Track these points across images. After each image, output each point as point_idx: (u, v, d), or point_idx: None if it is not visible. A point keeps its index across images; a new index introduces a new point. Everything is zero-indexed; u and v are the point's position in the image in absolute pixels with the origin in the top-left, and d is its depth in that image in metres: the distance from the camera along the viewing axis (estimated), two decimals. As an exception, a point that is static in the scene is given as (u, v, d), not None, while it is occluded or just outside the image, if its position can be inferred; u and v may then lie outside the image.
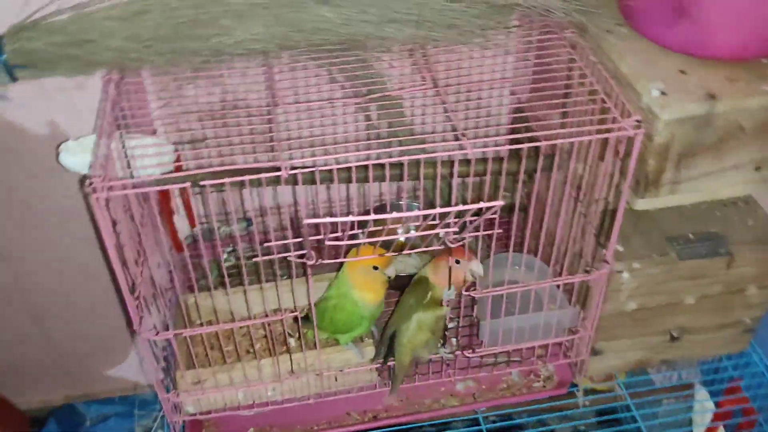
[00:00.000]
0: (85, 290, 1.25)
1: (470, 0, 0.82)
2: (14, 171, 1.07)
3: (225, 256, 1.13)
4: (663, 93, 0.78)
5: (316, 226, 0.69)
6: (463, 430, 1.06)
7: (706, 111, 0.78)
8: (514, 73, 1.06)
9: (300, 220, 0.86)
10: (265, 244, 0.77)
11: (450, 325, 1.01)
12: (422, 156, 0.78)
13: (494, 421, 1.16)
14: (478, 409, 1.04)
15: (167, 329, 0.85)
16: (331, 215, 0.74)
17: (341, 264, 0.88)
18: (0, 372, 1.37)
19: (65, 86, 0.95)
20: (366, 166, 0.71)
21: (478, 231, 0.76)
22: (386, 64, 0.91)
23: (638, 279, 0.89)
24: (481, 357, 0.95)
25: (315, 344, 0.89)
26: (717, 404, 1.14)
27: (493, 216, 0.71)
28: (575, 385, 1.06)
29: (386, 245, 0.81)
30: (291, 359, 0.90)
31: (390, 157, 0.73)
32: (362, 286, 0.86)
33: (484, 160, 0.90)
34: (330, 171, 0.74)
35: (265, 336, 1.00)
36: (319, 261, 0.75)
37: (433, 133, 1.06)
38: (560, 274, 0.89)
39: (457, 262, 0.83)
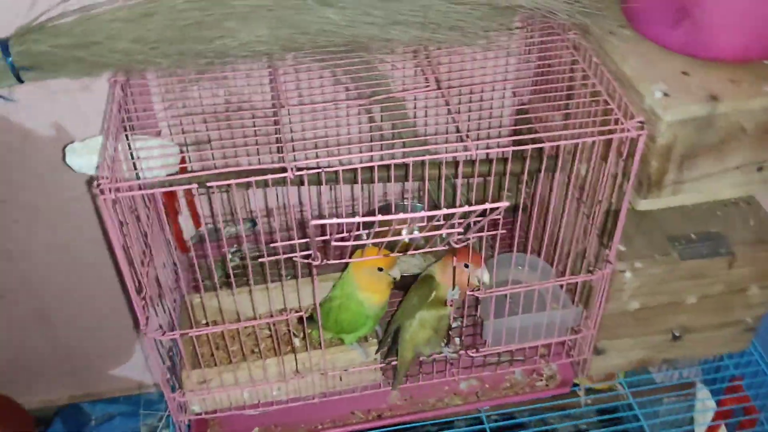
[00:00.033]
0: (90, 290, 1.25)
1: (474, 2, 0.82)
2: (21, 172, 1.07)
3: (230, 256, 1.14)
4: (665, 94, 0.79)
5: (322, 226, 0.69)
6: (466, 429, 1.07)
7: (709, 112, 0.78)
8: (517, 74, 1.06)
9: (306, 220, 0.86)
10: (271, 245, 0.77)
11: (454, 325, 1.02)
12: (426, 157, 0.78)
13: (497, 420, 1.17)
14: (482, 408, 1.04)
15: (173, 329, 0.85)
16: (336, 216, 0.75)
17: (346, 264, 0.88)
18: (6, 372, 1.38)
19: (71, 88, 0.95)
20: (371, 167, 0.71)
21: (483, 232, 0.76)
22: (390, 66, 0.91)
23: (640, 279, 0.89)
24: (485, 356, 0.95)
25: (320, 344, 0.89)
26: (718, 403, 1.14)
27: (497, 217, 0.71)
28: (577, 385, 1.07)
29: (391, 246, 0.81)
30: (296, 359, 0.91)
31: (394, 158, 0.73)
32: (367, 287, 0.86)
33: (487, 161, 0.91)
34: (335, 172, 0.74)
35: (270, 336, 1.00)
36: (325, 261, 0.76)
37: (436, 134, 1.07)
38: (563, 274, 0.90)
39: (466, 266, 0.84)
